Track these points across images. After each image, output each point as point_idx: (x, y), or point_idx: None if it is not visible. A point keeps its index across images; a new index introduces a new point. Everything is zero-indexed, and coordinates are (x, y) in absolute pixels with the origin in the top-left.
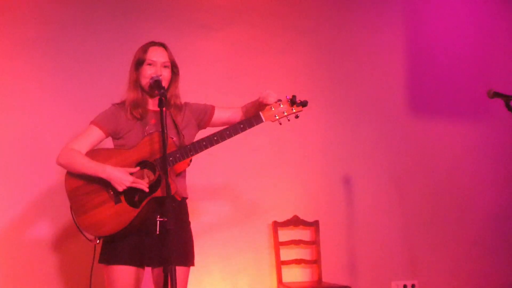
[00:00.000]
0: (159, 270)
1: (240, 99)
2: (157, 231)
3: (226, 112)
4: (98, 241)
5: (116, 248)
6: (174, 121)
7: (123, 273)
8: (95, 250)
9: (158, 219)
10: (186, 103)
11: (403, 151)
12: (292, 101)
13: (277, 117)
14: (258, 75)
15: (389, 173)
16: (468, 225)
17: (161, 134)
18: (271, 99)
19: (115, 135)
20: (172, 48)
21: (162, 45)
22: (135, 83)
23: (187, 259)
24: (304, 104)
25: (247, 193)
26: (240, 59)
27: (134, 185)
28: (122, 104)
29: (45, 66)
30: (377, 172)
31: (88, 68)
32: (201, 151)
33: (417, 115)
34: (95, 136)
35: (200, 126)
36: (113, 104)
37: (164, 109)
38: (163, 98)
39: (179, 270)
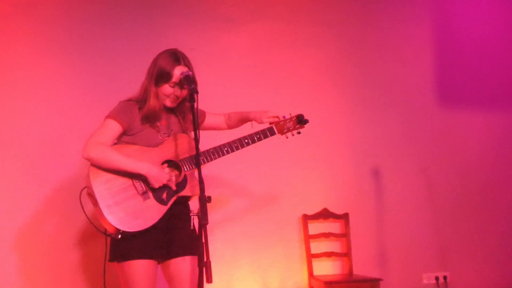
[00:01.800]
0: (176, 262)
1: (265, 93)
2: (191, 226)
3: (214, 118)
4: (119, 236)
5: (132, 244)
6: (181, 124)
7: (143, 267)
8: (106, 247)
9: (192, 214)
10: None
11: (432, 142)
12: (299, 119)
13: (285, 131)
14: (283, 69)
15: (419, 164)
16: (499, 216)
17: (194, 132)
18: (277, 118)
19: (127, 131)
20: (195, 43)
21: (187, 64)
22: (156, 95)
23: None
24: (306, 122)
25: (276, 186)
26: (265, 53)
27: (169, 183)
28: (133, 101)
29: (74, 63)
30: (406, 164)
31: (113, 65)
32: (223, 155)
33: (446, 106)
34: (115, 130)
35: (192, 128)
36: (124, 101)
37: (195, 104)
38: (194, 94)
39: (193, 259)
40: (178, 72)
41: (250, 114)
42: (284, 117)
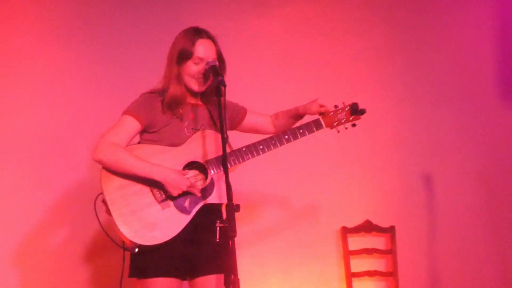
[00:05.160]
0: (201, 281)
1: (300, 86)
2: (216, 238)
3: (257, 118)
4: (136, 250)
5: (154, 258)
6: (212, 118)
7: (163, 287)
8: (123, 261)
9: (218, 225)
10: None
11: (493, 145)
12: (353, 109)
13: (336, 124)
14: (320, 59)
15: (477, 170)
16: None
17: (220, 130)
18: (327, 106)
19: (148, 128)
20: (222, 30)
21: (210, 37)
22: (178, 77)
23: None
24: (362, 112)
25: (311, 195)
26: (300, 40)
27: (190, 189)
28: (155, 93)
29: (85, 53)
30: (462, 170)
31: (129, 56)
32: (257, 155)
33: (510, 103)
34: (132, 128)
35: (230, 126)
36: (145, 93)
37: (222, 99)
38: (221, 86)
39: (219, 277)
40: (200, 47)
41: (299, 108)
42: (335, 107)
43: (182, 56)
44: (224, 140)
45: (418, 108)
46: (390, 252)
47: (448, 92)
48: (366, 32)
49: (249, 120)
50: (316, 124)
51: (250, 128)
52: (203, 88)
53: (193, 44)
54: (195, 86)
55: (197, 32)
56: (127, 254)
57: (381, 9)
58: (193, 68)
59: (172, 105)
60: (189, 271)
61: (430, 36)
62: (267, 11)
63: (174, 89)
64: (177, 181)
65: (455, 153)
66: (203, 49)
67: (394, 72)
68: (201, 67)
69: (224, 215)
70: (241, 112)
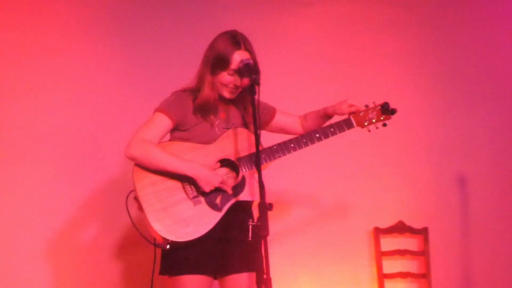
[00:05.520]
0: (232, 279)
1: (332, 85)
2: (249, 237)
3: (286, 118)
4: (168, 246)
5: (185, 256)
6: (244, 117)
7: (196, 284)
8: (155, 258)
9: (250, 223)
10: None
11: None
12: (384, 108)
13: (366, 124)
14: (353, 58)
15: (510, 172)
16: None
17: (254, 128)
18: (357, 106)
19: (179, 126)
20: (253, 28)
21: (248, 48)
22: (211, 84)
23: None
24: (393, 112)
25: (343, 195)
26: (333, 39)
27: (222, 185)
28: (188, 92)
29: (118, 50)
30: (496, 171)
31: (161, 54)
32: (288, 153)
33: None
34: (163, 125)
35: (259, 126)
36: (177, 91)
37: (256, 97)
38: (256, 85)
39: (250, 276)
40: (237, 57)
41: (328, 108)
42: (365, 106)
43: (217, 65)
44: (258, 138)
45: (452, 109)
46: (423, 253)
47: (482, 92)
48: (400, 31)
49: (278, 120)
50: (347, 123)
51: (278, 128)
52: (233, 96)
53: (230, 55)
54: (226, 94)
55: (236, 42)
56: (158, 251)
57: (415, 9)
58: (227, 78)
59: (204, 110)
60: (220, 269)
61: (465, 36)
62: (299, 10)
63: (207, 94)
64: (209, 177)
65: (489, 154)
66: (239, 62)
67: (428, 72)
68: (235, 77)
69: (256, 214)
70: (271, 111)
